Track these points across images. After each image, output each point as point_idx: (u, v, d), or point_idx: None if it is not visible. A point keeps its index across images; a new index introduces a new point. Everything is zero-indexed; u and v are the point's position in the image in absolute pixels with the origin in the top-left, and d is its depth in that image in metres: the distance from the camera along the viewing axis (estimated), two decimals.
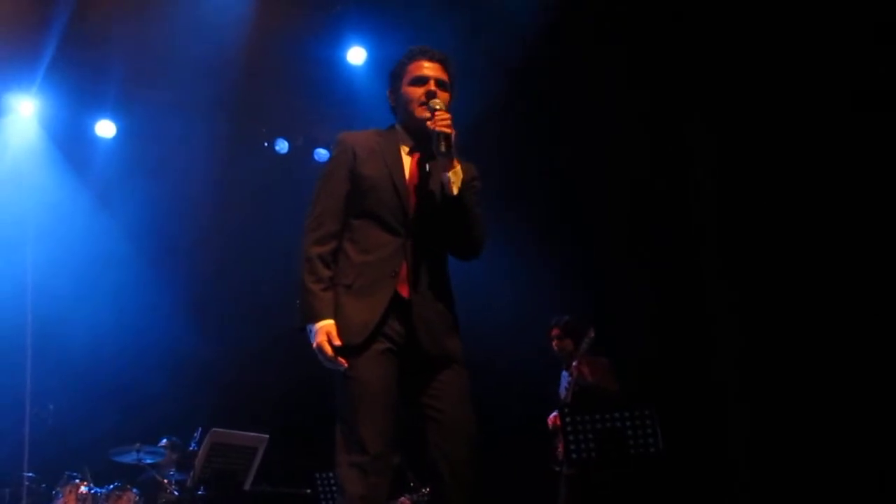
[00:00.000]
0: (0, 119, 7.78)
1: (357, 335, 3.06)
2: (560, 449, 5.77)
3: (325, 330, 3.06)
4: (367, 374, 3.05)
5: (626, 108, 6.94)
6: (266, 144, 8.25)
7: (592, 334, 5.95)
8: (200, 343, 8.20)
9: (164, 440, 7.26)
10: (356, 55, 7.62)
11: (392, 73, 3.36)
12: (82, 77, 7.61)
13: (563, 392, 6.09)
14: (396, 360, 3.11)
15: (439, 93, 3.24)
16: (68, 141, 8.08)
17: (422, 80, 3.26)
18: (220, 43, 7.15)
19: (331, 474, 6.82)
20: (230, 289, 8.43)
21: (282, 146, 8.26)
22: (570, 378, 6.04)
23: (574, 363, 5.98)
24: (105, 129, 8.12)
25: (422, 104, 3.20)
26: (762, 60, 6.26)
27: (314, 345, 3.07)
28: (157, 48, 7.14)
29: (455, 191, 3.12)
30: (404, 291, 3.11)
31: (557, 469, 6.00)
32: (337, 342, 3.05)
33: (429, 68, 3.28)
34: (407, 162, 3.24)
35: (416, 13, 6.94)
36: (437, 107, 3.14)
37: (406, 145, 3.27)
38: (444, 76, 3.29)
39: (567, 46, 6.95)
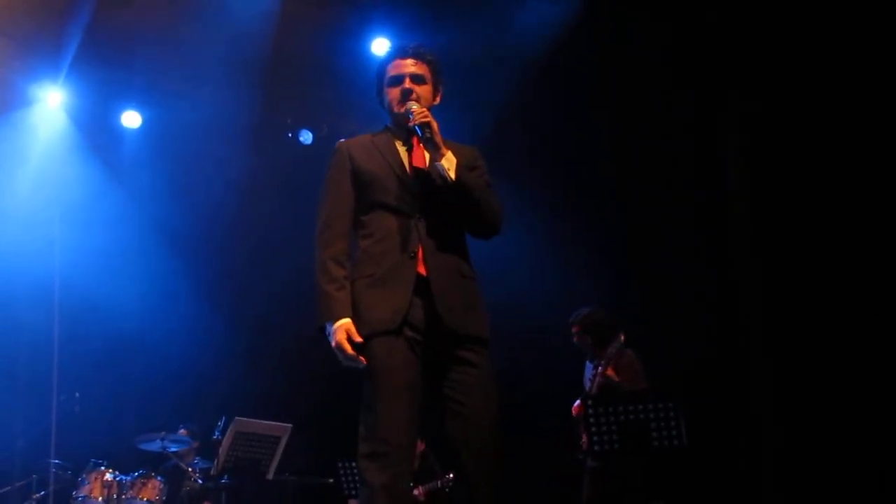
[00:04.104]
0: (27, 109, 7.85)
1: (390, 322, 3.08)
2: (584, 439, 5.75)
3: (343, 328, 3.08)
4: (391, 366, 3.06)
5: (664, 96, 6.86)
6: (290, 135, 8.27)
7: (623, 338, 5.88)
8: (225, 333, 8.26)
9: (182, 428, 7.32)
10: (380, 46, 7.61)
11: (376, 75, 3.41)
12: (108, 68, 7.66)
13: (587, 383, 6.06)
14: (419, 350, 3.12)
15: (416, 88, 3.28)
16: (95, 131, 8.16)
17: (397, 80, 3.30)
18: (245, 34, 7.17)
19: (353, 463, 6.85)
20: (254, 279, 8.48)
21: (306, 137, 8.29)
22: (594, 369, 6.00)
23: (600, 364, 5.91)
24: (131, 119, 8.19)
25: (399, 104, 3.27)
26: (796, 47, 6.17)
27: (333, 344, 3.10)
28: (183, 39, 7.18)
29: (452, 176, 3.15)
30: (422, 269, 3.14)
31: (581, 458, 5.98)
32: (357, 339, 3.07)
33: (402, 66, 3.31)
34: (403, 152, 3.28)
35: (440, 3, 6.93)
36: (413, 107, 3.20)
37: (400, 139, 3.31)
38: (419, 69, 3.31)
39: (601, 32, 6.90)
